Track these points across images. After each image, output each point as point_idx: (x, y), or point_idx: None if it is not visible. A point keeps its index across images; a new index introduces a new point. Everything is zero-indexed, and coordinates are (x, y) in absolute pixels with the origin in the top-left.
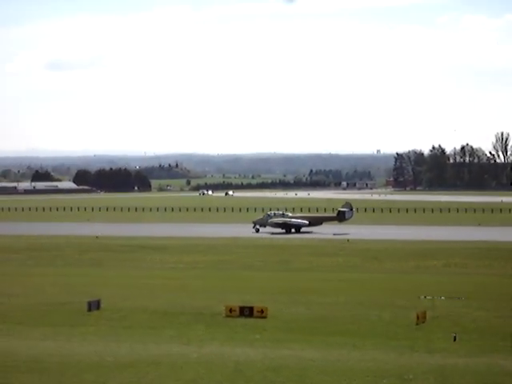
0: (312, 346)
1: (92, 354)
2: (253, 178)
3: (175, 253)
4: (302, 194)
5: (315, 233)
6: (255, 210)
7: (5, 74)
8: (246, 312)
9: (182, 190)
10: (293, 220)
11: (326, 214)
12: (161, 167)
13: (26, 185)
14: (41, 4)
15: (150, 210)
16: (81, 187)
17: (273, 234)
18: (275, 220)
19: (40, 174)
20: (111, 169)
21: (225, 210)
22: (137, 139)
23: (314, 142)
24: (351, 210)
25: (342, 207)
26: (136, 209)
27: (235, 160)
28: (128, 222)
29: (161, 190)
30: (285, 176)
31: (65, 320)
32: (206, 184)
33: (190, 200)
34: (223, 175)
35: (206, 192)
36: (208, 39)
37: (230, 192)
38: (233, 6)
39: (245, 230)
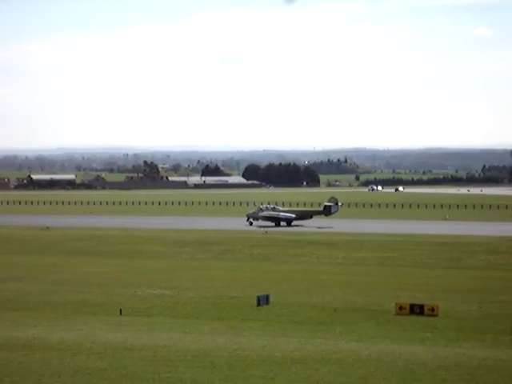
0: (484, 345)
1: (261, 349)
2: (423, 173)
3: (344, 248)
4: (474, 190)
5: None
6: (426, 206)
7: (182, 68)
8: (417, 310)
9: (350, 185)
10: (280, 214)
11: (314, 209)
12: (330, 162)
13: (196, 179)
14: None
15: (319, 205)
16: (250, 182)
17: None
18: (264, 213)
19: (210, 168)
20: (280, 163)
21: (394, 206)
22: (306, 134)
23: (489, 137)
24: (336, 204)
25: (328, 202)
26: (304, 204)
27: (404, 155)
28: None
29: (329, 185)
30: (457, 172)
31: (235, 314)
32: (375, 179)
33: (359, 195)
34: (393, 170)
35: (374, 187)
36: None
37: (400, 188)
38: None
39: (417, 227)
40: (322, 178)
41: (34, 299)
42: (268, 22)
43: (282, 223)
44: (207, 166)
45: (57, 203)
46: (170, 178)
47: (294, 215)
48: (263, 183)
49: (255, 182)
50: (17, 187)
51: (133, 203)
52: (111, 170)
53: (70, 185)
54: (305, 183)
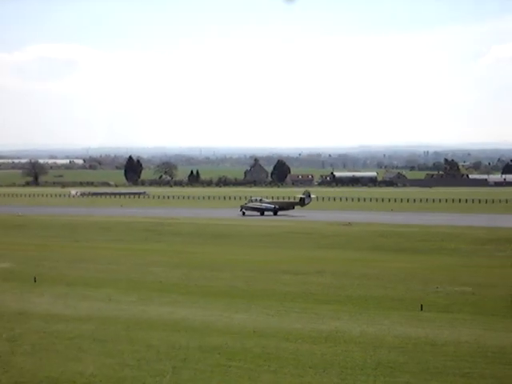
0: None
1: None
2: None
3: None
4: None
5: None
6: None
7: (476, 69)
8: None
9: None
10: (263, 205)
11: (292, 200)
12: None
13: (496, 177)
14: None
15: None
16: None
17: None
18: (250, 204)
19: (511, 166)
20: None
21: None
22: None
23: None
24: (309, 196)
25: (303, 194)
26: None
27: None
28: None
29: None
30: None
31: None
32: None
33: None
34: None
35: None
36: None
37: None
38: None
39: None
40: None
41: (337, 292)
42: None
43: (267, 213)
44: (508, 163)
45: (358, 200)
46: (470, 176)
47: (273, 206)
48: None
49: None
50: (320, 184)
51: (433, 200)
52: (411, 168)
53: (371, 182)
54: None
